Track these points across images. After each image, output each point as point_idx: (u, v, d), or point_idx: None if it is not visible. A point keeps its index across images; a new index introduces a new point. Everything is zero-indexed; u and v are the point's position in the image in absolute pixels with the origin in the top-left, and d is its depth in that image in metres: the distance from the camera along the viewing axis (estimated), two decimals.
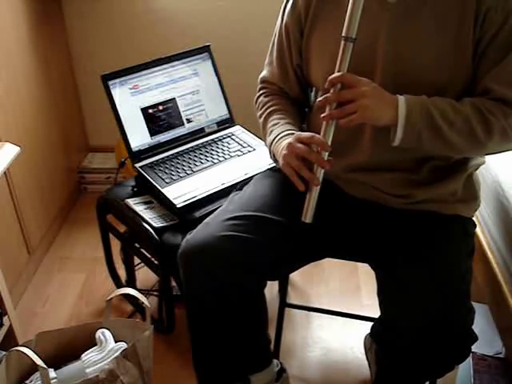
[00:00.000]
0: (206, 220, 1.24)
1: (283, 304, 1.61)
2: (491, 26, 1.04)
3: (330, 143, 1.07)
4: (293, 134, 1.18)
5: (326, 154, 1.07)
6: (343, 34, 1.02)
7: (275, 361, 1.44)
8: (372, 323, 1.40)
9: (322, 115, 1.06)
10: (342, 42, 1.02)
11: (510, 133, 1.07)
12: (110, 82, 1.59)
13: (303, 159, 1.09)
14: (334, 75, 1.04)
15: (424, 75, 1.09)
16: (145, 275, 1.84)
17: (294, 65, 1.26)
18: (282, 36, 1.25)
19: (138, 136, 1.63)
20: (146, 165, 1.61)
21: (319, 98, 1.06)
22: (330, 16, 1.15)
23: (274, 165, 1.46)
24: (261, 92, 1.36)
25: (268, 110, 1.30)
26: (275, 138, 1.22)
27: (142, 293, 1.36)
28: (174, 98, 1.69)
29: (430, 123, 1.05)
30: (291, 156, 1.10)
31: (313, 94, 1.33)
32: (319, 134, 1.09)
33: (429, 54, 1.08)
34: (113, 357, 1.26)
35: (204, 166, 1.60)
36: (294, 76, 1.28)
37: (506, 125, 1.06)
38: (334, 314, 1.68)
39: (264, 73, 1.36)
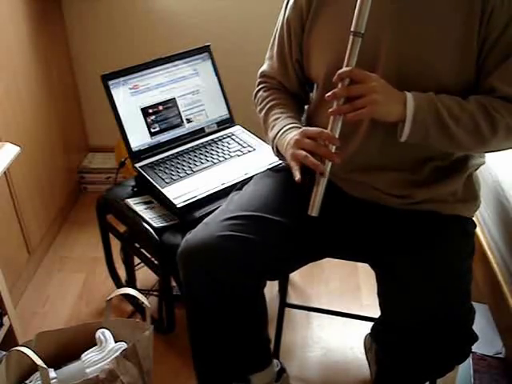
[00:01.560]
0: (205, 220, 1.23)
1: (283, 304, 1.61)
2: (496, 26, 1.04)
3: (337, 136, 1.06)
4: (296, 127, 1.17)
5: (334, 147, 1.06)
6: (352, 29, 1.01)
7: (275, 361, 1.44)
8: (372, 323, 1.40)
9: (330, 110, 1.05)
10: (351, 37, 1.02)
11: None
12: (110, 82, 1.59)
13: (311, 154, 1.07)
14: (342, 70, 1.03)
15: (427, 71, 1.09)
16: (145, 275, 1.84)
17: (293, 60, 1.26)
18: (284, 30, 1.25)
19: (138, 136, 1.63)
20: (146, 165, 1.61)
21: (328, 94, 1.05)
22: (331, 11, 1.15)
23: (274, 165, 1.46)
24: (260, 86, 1.35)
25: (268, 105, 1.29)
26: (279, 131, 1.21)
27: (142, 293, 1.36)
28: (174, 98, 1.69)
29: (438, 119, 1.05)
30: (299, 151, 1.08)
31: (314, 92, 1.33)
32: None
33: (432, 50, 1.07)
34: (113, 357, 1.26)
35: (204, 165, 1.60)
36: (293, 71, 1.28)
37: (511, 122, 1.07)
38: (334, 313, 1.68)
39: (264, 67, 1.35)
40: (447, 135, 1.07)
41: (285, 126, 1.20)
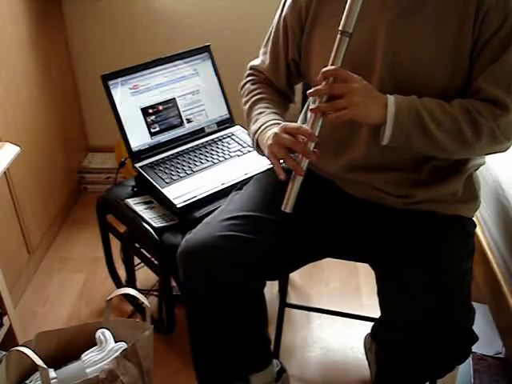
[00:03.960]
0: (205, 220, 1.24)
1: (283, 304, 1.61)
2: (490, 26, 1.04)
3: (317, 134, 1.05)
4: (279, 123, 1.16)
5: (313, 144, 1.05)
6: (340, 28, 1.01)
7: (275, 361, 1.44)
8: (372, 323, 1.40)
9: (311, 107, 1.05)
10: (338, 36, 1.02)
11: (499, 134, 1.07)
12: (110, 82, 1.59)
13: (289, 149, 1.07)
14: (327, 68, 1.03)
15: (422, 73, 1.09)
16: (145, 275, 1.84)
17: (288, 58, 1.26)
18: (280, 28, 1.25)
19: (138, 136, 1.63)
20: (146, 165, 1.60)
21: (309, 90, 1.05)
22: (331, 13, 1.14)
23: None
24: (248, 79, 1.35)
25: (254, 98, 1.28)
26: (261, 126, 1.20)
27: (142, 293, 1.36)
28: (174, 98, 1.69)
29: (419, 122, 1.05)
30: (277, 146, 1.08)
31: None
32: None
33: (428, 53, 1.08)
34: (113, 357, 1.26)
35: (204, 165, 1.60)
36: (285, 69, 1.27)
37: (495, 126, 1.06)
38: (333, 313, 1.68)
39: (255, 61, 1.35)
40: (429, 139, 1.06)
41: (267, 122, 1.19)
